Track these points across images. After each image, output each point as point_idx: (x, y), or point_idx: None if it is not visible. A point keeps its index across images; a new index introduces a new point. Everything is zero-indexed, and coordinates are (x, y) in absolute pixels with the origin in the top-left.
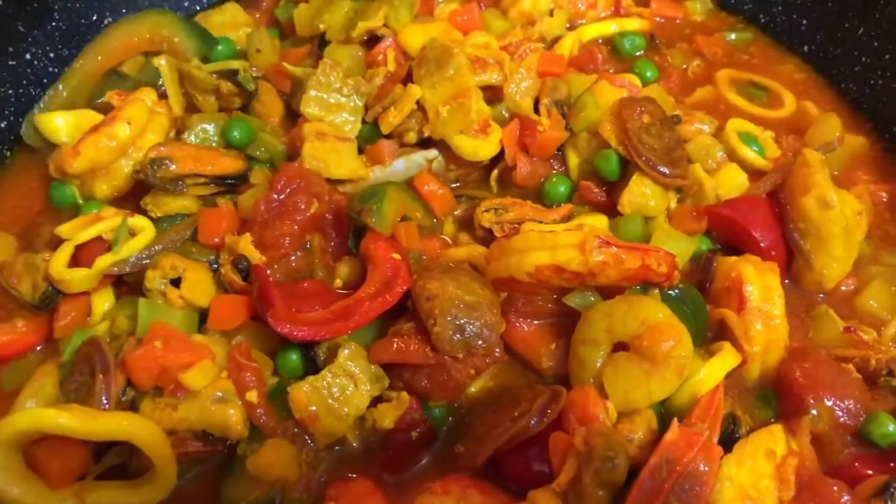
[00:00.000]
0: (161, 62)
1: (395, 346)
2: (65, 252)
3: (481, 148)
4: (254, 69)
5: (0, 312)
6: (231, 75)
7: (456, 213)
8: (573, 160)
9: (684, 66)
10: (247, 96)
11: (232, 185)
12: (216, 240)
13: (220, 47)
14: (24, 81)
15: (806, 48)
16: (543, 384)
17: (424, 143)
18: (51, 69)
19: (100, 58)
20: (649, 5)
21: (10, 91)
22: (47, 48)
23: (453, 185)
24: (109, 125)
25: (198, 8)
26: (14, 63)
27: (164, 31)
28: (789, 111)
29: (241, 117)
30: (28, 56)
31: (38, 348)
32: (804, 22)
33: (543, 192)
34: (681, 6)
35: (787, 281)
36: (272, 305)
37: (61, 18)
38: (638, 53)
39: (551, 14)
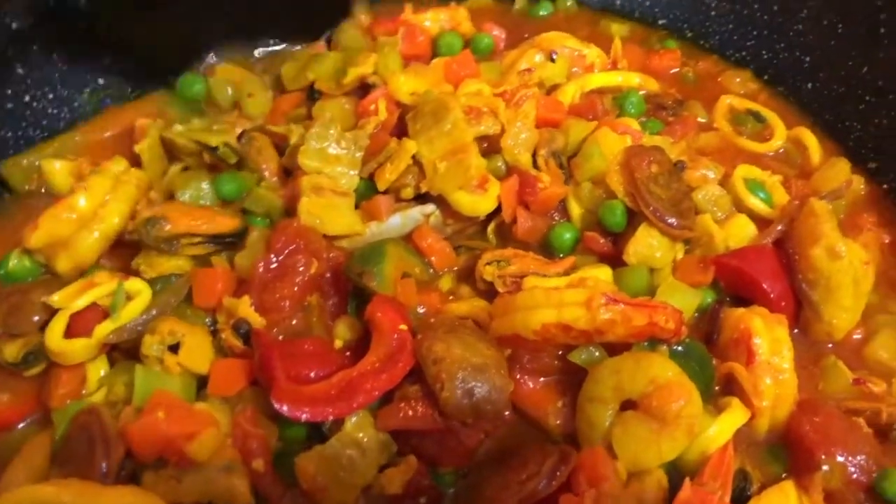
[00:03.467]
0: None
1: (402, 412)
2: (60, 322)
3: (480, 203)
4: (247, 123)
5: None
6: (211, 150)
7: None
8: (575, 210)
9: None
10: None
11: (228, 243)
12: (212, 302)
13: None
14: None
15: (809, 85)
16: (551, 442)
17: (420, 198)
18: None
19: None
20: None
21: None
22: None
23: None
24: (68, 197)
25: None
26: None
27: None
28: (779, 141)
29: (232, 172)
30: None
31: (23, 424)
32: (807, 59)
33: (547, 242)
34: (650, 54)
35: (795, 331)
36: (274, 380)
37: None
38: (641, 119)
39: (552, 59)
